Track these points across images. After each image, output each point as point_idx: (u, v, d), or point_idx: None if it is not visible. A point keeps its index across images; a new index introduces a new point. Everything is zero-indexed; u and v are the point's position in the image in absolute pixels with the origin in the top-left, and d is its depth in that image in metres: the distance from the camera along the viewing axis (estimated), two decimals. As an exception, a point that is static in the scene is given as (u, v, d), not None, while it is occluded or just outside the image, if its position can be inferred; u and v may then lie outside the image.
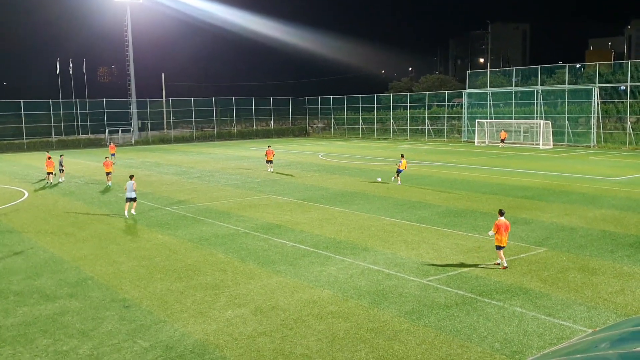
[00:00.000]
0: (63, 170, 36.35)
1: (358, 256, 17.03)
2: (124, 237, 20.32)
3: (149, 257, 17.47)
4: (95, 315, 12.79)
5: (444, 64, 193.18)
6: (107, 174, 33.31)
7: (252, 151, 57.84)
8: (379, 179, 33.47)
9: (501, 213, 15.88)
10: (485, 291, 13.76)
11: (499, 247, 15.61)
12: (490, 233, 15.98)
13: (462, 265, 15.96)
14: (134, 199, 23.96)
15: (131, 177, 24.69)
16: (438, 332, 11.46)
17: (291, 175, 36.65)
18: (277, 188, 31.11)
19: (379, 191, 29.16)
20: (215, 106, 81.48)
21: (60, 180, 35.83)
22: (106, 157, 35.22)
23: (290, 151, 57.40)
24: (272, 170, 39.27)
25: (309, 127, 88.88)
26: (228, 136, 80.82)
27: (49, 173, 35.19)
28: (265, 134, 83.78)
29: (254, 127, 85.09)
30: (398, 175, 31.63)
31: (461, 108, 69.26)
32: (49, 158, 36.17)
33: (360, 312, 12.58)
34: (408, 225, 21.12)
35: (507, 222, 15.69)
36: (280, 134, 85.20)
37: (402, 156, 32.43)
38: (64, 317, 12.72)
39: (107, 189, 31.46)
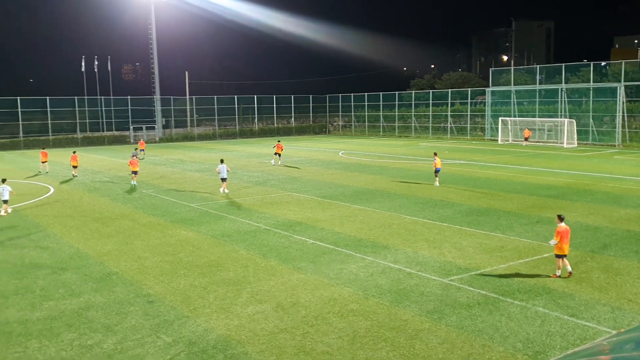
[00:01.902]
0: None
1: (379, 254, 17.02)
2: (149, 233, 20.55)
3: (172, 253, 17.66)
4: (120, 310, 12.97)
5: (467, 62, 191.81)
6: (133, 172, 32.67)
7: (274, 149, 57.90)
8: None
9: (561, 219, 14.75)
10: (507, 291, 13.67)
11: (559, 256, 14.56)
12: (553, 242, 14.61)
13: (485, 264, 15.86)
14: (225, 179, 28.71)
15: (222, 161, 29.66)
16: (460, 332, 11.42)
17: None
18: (297, 185, 31.19)
19: (400, 189, 29.09)
20: (238, 104, 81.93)
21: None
22: (133, 156, 35.35)
23: (311, 149, 57.47)
24: (280, 163, 41.62)
25: (330, 125, 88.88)
26: (250, 134, 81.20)
27: (74, 167, 37.02)
28: (286, 132, 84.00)
29: (275, 124, 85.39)
30: (437, 175, 30.22)
31: (484, 106, 68.72)
32: (74, 152, 38.20)
33: (381, 311, 12.58)
34: (430, 224, 21.04)
35: (568, 228, 14.66)
36: (301, 131, 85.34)
37: (435, 154, 30.93)
38: (88, 311, 12.92)
39: (132, 189, 31.46)
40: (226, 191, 28.71)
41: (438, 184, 29.96)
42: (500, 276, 14.79)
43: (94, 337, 11.49)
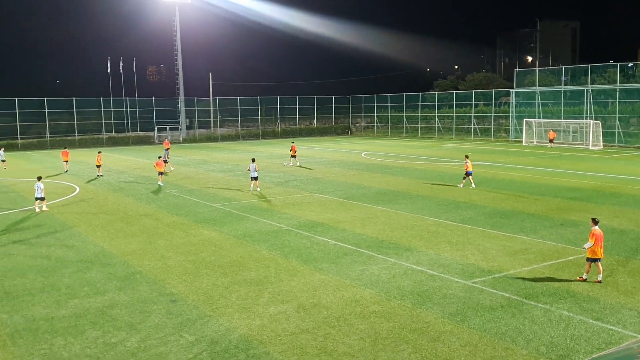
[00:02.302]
0: (168, 162, 40.28)
1: (401, 256, 16.96)
2: (172, 232, 20.74)
3: (195, 253, 17.80)
4: (143, 308, 13.11)
5: (491, 63, 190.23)
6: (160, 173, 33.11)
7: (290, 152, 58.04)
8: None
9: (595, 222, 14.41)
10: (531, 294, 13.53)
11: (592, 260, 14.17)
12: (587, 245, 14.16)
13: (508, 267, 15.71)
14: (256, 178, 29.81)
15: (253, 160, 30.71)
16: (482, 334, 11.33)
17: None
18: (319, 186, 31.22)
19: (422, 190, 28.95)
20: (260, 105, 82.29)
21: (171, 168, 40.11)
22: (159, 157, 35.74)
23: (333, 149, 57.47)
24: (298, 164, 42.15)
25: (352, 126, 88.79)
26: (272, 135, 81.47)
27: (98, 166, 38.03)
28: (309, 133, 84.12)
29: (298, 125, 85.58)
30: (469, 177, 29.52)
31: (508, 107, 68.10)
32: (99, 152, 39.48)
33: (403, 313, 12.54)
34: (453, 226, 20.91)
35: (602, 232, 14.32)
36: (323, 132, 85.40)
37: (467, 157, 30.41)
38: (113, 310, 13.08)
39: (158, 189, 31.66)
40: (258, 189, 29.85)
41: (469, 186, 29.47)
42: (524, 279, 14.64)
43: (118, 335, 11.63)
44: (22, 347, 11.12)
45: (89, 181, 35.47)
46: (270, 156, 51.12)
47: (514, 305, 12.85)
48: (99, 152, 39.56)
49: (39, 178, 25.52)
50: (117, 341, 11.34)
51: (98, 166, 37.95)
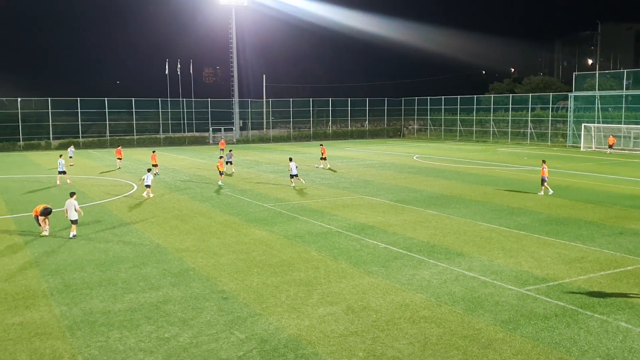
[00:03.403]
0: (231, 163, 41.09)
1: (453, 261, 16.76)
2: (224, 231, 21.09)
3: (246, 251, 18.05)
4: (196, 305, 13.39)
5: (549, 66, 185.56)
6: (221, 173, 33.48)
7: (347, 151, 58.15)
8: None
9: None
10: (587, 303, 13.15)
11: None
12: None
13: (564, 275, 15.32)
14: (296, 175, 32.31)
15: (290, 159, 33.48)
16: (535, 343, 11.09)
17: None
18: (369, 189, 31.14)
19: (476, 195, 28.50)
20: (312, 107, 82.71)
21: (232, 170, 40.50)
22: (220, 157, 36.39)
23: (385, 152, 57.20)
24: (327, 166, 42.33)
25: (404, 128, 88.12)
26: (323, 136, 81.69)
27: (154, 165, 38.62)
28: (360, 135, 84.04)
29: (349, 127, 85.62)
30: (545, 185, 28.60)
31: (567, 111, 66.30)
32: (153, 152, 40.73)
33: (453, 318, 12.39)
34: (507, 232, 20.52)
35: None
36: (374, 134, 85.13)
37: (544, 162, 29.30)
38: (166, 305, 13.41)
39: (219, 188, 31.98)
40: (303, 182, 32.59)
41: (550, 192, 28.43)
42: (580, 288, 14.24)
43: (171, 330, 11.91)
44: (80, 339, 11.52)
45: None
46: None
47: (568, 314, 12.52)
48: (153, 152, 40.71)
49: (149, 170, 29.61)
50: (170, 336, 11.62)
51: (154, 165, 38.83)
